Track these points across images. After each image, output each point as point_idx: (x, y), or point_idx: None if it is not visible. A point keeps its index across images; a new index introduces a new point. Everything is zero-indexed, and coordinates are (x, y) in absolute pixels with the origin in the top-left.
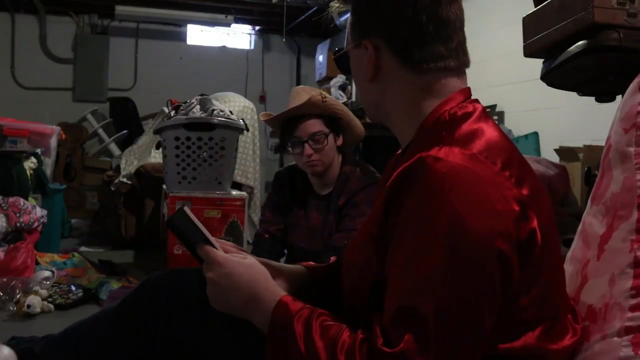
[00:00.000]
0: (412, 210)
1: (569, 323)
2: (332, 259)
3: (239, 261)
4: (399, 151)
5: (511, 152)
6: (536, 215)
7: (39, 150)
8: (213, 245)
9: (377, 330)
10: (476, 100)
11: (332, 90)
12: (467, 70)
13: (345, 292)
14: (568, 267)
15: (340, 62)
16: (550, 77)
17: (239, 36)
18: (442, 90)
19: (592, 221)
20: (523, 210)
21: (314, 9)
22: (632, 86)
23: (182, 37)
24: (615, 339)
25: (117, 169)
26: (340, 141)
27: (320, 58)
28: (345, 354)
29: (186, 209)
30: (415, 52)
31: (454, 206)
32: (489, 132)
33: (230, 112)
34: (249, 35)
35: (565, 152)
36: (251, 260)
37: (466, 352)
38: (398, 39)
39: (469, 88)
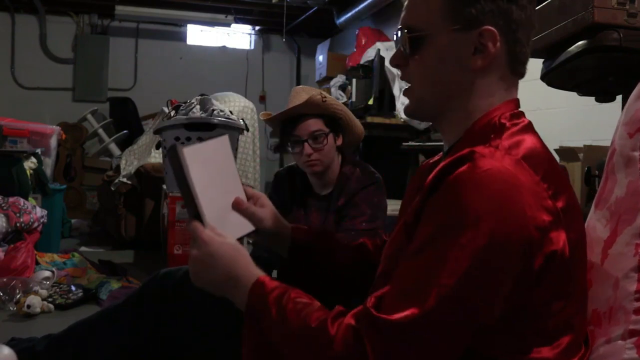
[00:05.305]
0: (445, 198)
1: (582, 344)
2: None
3: (223, 241)
4: (436, 157)
5: (552, 165)
6: (566, 231)
7: (39, 150)
8: (200, 207)
9: (373, 298)
10: (523, 113)
11: (332, 90)
12: None
13: (376, 280)
14: None
15: (413, 43)
16: (550, 77)
17: (239, 36)
18: (512, 95)
19: (596, 225)
20: (553, 222)
21: (314, 9)
22: (636, 90)
23: (182, 37)
24: (620, 342)
25: (117, 169)
26: (340, 141)
27: (320, 58)
28: (318, 320)
29: (182, 149)
30: (520, 52)
31: (487, 204)
32: (534, 142)
33: (230, 112)
34: (249, 35)
35: (565, 152)
36: (234, 241)
37: (458, 337)
38: (514, 34)
39: (518, 99)
